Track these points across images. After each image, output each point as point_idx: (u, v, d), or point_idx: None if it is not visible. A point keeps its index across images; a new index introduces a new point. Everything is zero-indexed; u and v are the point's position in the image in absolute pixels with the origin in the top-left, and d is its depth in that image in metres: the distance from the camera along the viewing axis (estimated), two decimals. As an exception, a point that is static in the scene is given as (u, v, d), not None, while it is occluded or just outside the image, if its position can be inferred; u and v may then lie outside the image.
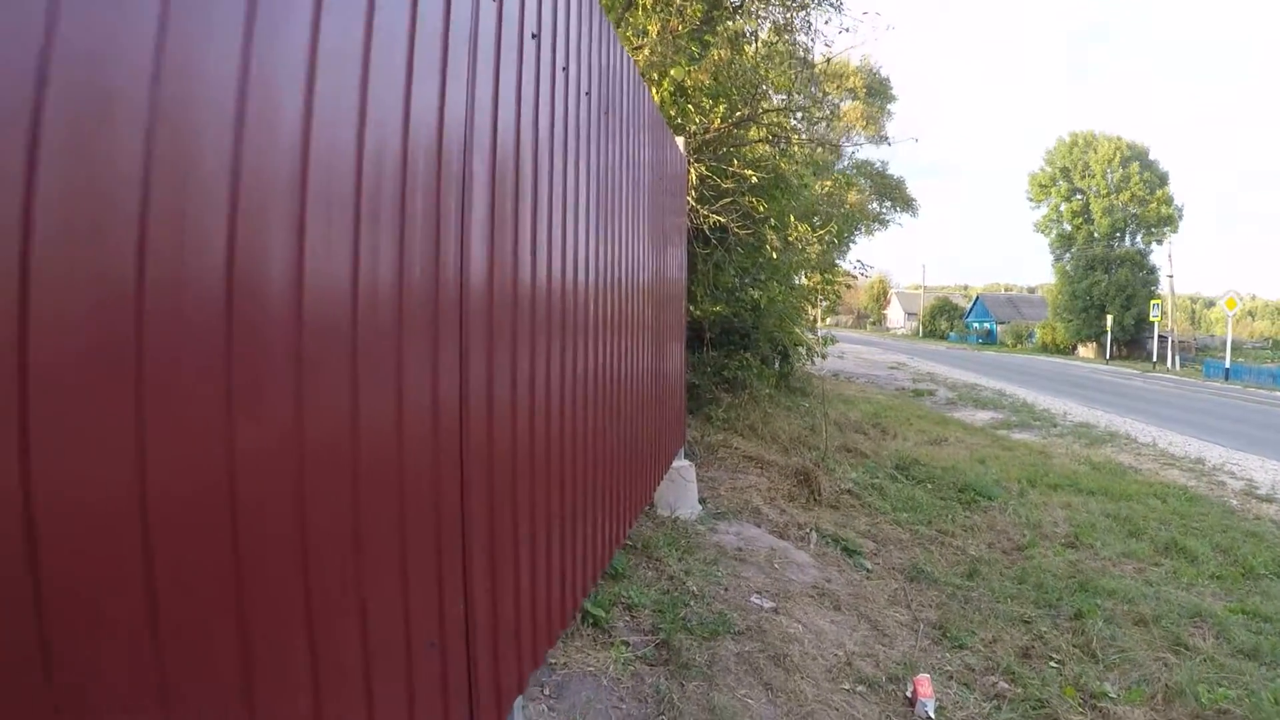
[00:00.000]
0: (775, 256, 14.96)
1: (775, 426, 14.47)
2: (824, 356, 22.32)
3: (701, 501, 9.72)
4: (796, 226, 15.57)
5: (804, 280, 19.93)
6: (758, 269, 15.54)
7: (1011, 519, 11.24)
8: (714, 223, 13.11)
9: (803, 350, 20.97)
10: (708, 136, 12.70)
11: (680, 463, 9.44)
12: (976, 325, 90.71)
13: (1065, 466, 15.63)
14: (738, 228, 13.10)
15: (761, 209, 13.67)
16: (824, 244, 19.23)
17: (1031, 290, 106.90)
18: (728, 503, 10.01)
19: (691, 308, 13.41)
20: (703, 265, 13.67)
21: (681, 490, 9.14)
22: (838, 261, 23.53)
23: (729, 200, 13.10)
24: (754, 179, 13.06)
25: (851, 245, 23.26)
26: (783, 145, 14.63)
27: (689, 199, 11.98)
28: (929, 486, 12.68)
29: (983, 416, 24.07)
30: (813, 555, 8.68)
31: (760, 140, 13.96)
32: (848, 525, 10.16)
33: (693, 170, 12.41)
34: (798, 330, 19.86)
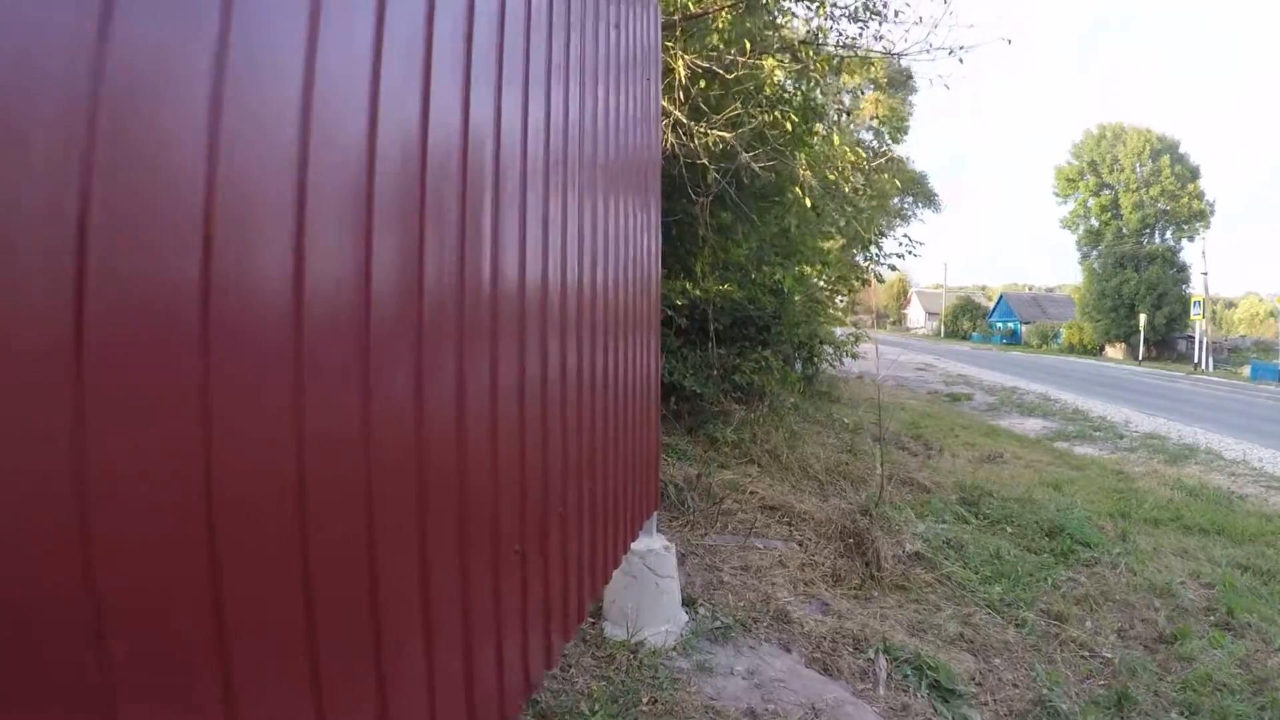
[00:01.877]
0: (810, 206, 10.66)
1: (805, 452, 10.70)
2: (854, 356, 18.72)
3: (689, 605, 5.87)
4: (844, 155, 11.33)
5: (828, 244, 15.88)
6: (782, 237, 11.36)
7: (1127, 579, 8.43)
8: (716, 144, 8.81)
9: (829, 349, 16.96)
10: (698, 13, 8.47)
11: (650, 542, 5.77)
12: (1000, 325, 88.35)
13: (1156, 493, 13.00)
14: (753, 156, 8.77)
15: (790, 124, 9.32)
16: (862, 223, 15.43)
17: (1049, 290, 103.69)
18: (735, 600, 6.40)
19: (689, 286, 9.98)
20: (703, 226, 9.55)
21: (649, 593, 5.27)
22: (864, 257, 19.80)
23: (735, 110, 8.77)
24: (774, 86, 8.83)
25: (880, 242, 19.78)
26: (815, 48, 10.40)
27: (675, 108, 7.77)
28: (1010, 530, 9.78)
29: (1033, 425, 21.43)
30: (885, 712, 5.04)
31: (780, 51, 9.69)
32: (927, 626, 6.59)
33: (680, 62, 8.13)
34: (826, 325, 16.88)
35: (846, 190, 13.22)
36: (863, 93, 36.45)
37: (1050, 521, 9.93)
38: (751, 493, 8.52)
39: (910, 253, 18.53)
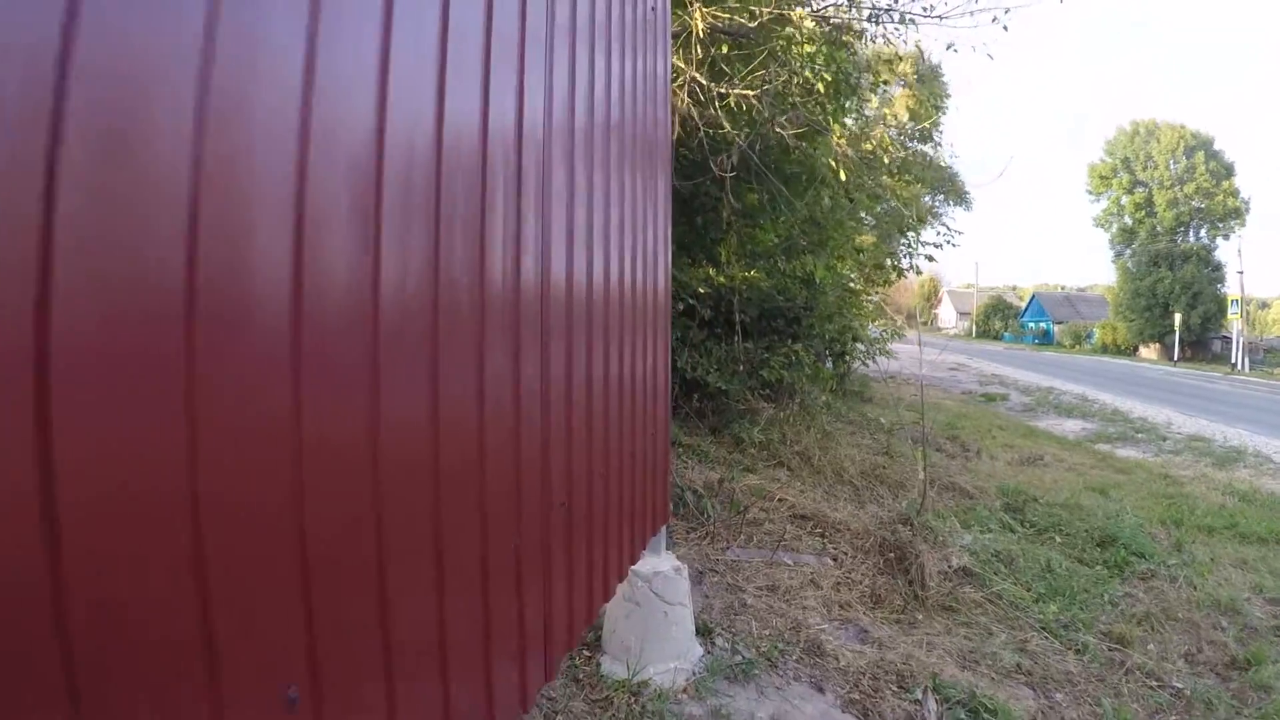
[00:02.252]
0: (844, 180, 9.81)
1: (839, 454, 9.84)
2: (888, 355, 17.88)
3: (704, 635, 4.97)
4: (886, 115, 10.53)
5: (861, 239, 15.03)
6: (813, 226, 10.52)
7: (1187, 594, 7.70)
8: (739, 105, 7.95)
9: (861, 346, 16.08)
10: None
11: (657, 562, 4.97)
12: (1032, 325, 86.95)
13: (1207, 498, 12.33)
14: (779, 125, 7.94)
15: (822, 84, 8.48)
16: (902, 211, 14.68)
17: (1081, 290, 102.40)
18: (759, 628, 5.68)
19: (713, 273, 9.24)
20: (727, 209, 8.73)
21: (655, 623, 4.39)
22: (902, 244, 19.00)
23: (758, 69, 7.93)
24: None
25: (918, 228, 18.99)
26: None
27: (691, 69, 6.96)
28: (1059, 540, 9.10)
29: (1073, 426, 20.75)
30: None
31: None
32: (980, 655, 5.79)
33: (697, 14, 7.32)
34: (858, 321, 15.85)
35: (886, 161, 12.35)
36: (883, 86, 35.63)
37: (1100, 530, 9.29)
38: (780, 500, 7.69)
39: (949, 242, 17.57)
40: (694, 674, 4.72)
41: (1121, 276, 66.03)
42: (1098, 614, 6.96)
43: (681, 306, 9.82)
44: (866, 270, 16.75)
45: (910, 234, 17.58)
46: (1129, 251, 65.72)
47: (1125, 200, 66.09)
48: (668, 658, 4.65)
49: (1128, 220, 66.01)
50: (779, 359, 10.39)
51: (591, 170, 3.49)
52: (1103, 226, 68.47)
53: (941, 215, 42.54)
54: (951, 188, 43.78)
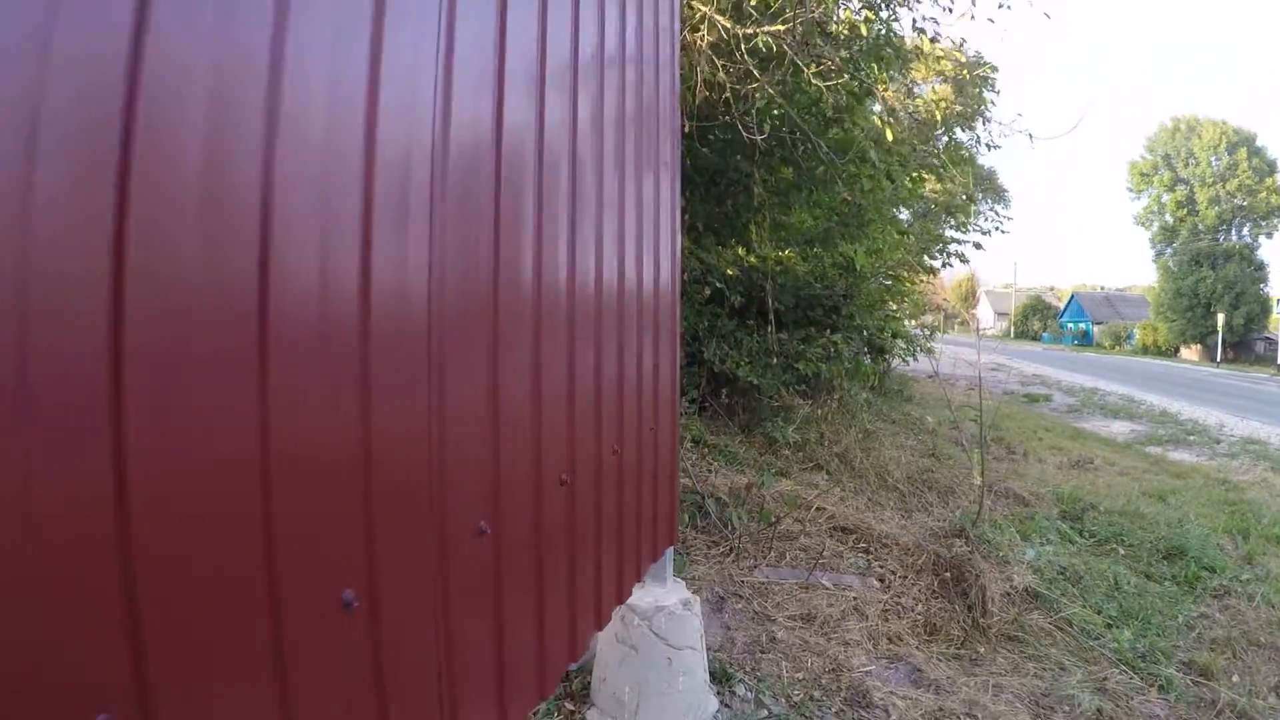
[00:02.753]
0: (890, 136, 8.85)
1: (882, 456, 8.87)
2: (930, 352, 16.87)
3: (722, 682, 4.01)
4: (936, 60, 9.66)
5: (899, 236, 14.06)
6: (853, 209, 9.59)
7: (1265, 614, 6.95)
8: (766, 46, 7.06)
9: (901, 343, 15.08)
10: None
11: (660, 594, 4.11)
12: (1071, 325, 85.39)
13: (1271, 505, 11.48)
14: (814, 68, 7.00)
15: (865, 27, 7.55)
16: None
17: (1120, 290, 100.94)
18: (792, 671, 4.77)
19: (742, 253, 8.60)
20: (758, 181, 7.81)
21: (656, 672, 3.38)
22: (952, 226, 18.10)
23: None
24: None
25: (959, 221, 18.15)
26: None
27: (710, 8, 6.06)
28: (1122, 551, 8.29)
29: (1120, 428, 19.95)
30: None
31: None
32: (1055, 699, 4.89)
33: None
34: (899, 315, 15.15)
35: (939, 117, 11.41)
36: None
37: (1165, 540, 8.59)
38: (819, 509, 6.67)
39: (997, 228, 16.55)
40: (707, 738, 3.76)
41: (1162, 276, 65.04)
42: (1175, 640, 6.17)
43: (709, 292, 8.94)
44: (911, 255, 15.71)
45: (959, 215, 16.62)
46: (1170, 250, 64.65)
47: (1166, 198, 64.95)
48: (672, 714, 3.73)
49: (1169, 218, 64.86)
50: (816, 351, 9.44)
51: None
52: (1143, 225, 67.30)
53: (981, 211, 41.91)
54: (990, 186, 43.13)
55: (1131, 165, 67.50)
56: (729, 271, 8.93)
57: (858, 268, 10.19)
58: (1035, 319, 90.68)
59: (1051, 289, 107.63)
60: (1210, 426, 19.98)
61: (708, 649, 4.31)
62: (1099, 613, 6.33)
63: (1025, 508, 8.97)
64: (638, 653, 3.70)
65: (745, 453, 8.10)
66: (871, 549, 6.24)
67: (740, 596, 5.26)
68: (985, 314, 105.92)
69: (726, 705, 4.02)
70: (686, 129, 7.70)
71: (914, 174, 12.65)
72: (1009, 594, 5.84)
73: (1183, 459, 15.59)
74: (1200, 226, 62.46)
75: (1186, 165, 63.68)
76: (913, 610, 5.39)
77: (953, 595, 5.59)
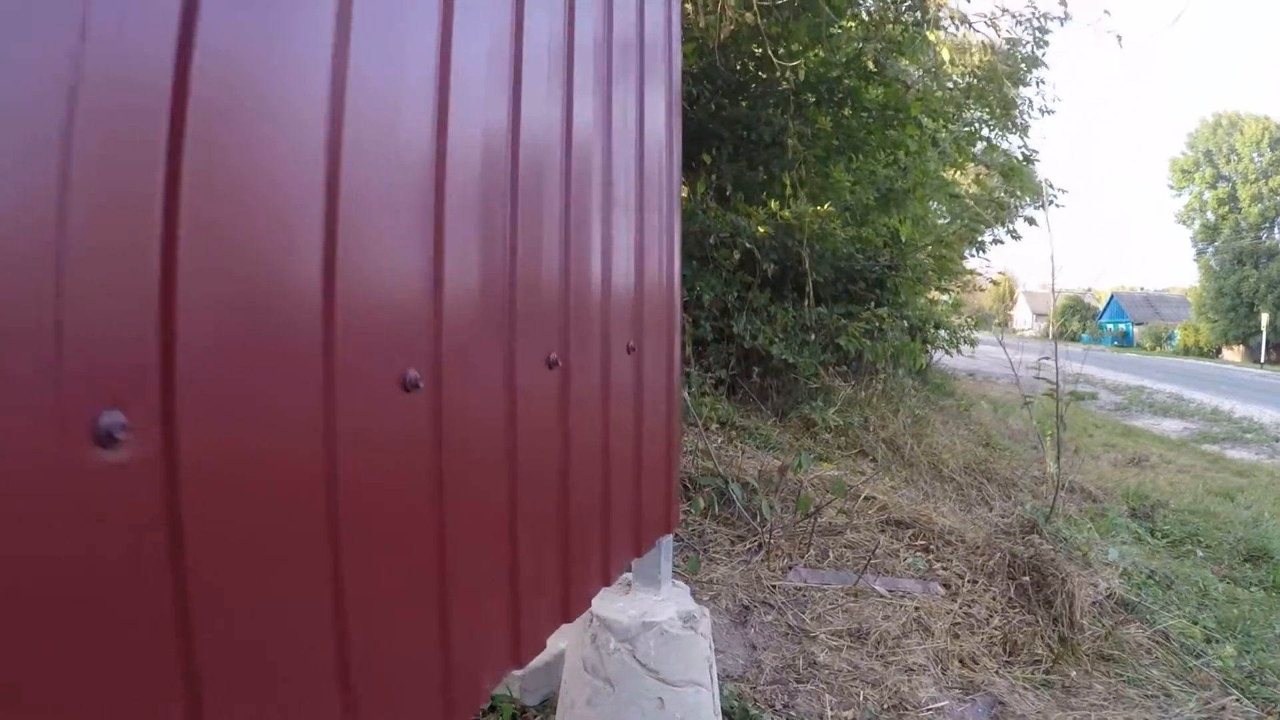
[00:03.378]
0: (939, 93, 8.00)
1: (934, 443, 7.70)
2: (973, 344, 15.84)
3: None
4: None
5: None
6: (897, 171, 8.64)
7: None
8: None
9: (944, 334, 13.75)
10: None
11: (652, 604, 3.01)
12: (1111, 326, 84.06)
13: None
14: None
15: None
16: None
17: (1161, 292, 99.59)
18: (838, 708, 3.55)
19: (776, 206, 7.93)
20: (793, 132, 6.89)
21: (640, 712, 2.06)
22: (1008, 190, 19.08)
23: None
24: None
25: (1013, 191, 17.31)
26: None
27: None
28: (1200, 553, 7.58)
29: (1172, 426, 19.17)
30: None
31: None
32: None
33: None
34: (947, 294, 14.31)
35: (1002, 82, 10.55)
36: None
37: (1245, 542, 7.93)
38: (866, 498, 5.54)
39: (1053, 201, 15.37)
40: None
41: (1204, 275, 63.86)
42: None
43: (738, 256, 7.86)
44: (964, 224, 14.63)
45: (1014, 185, 15.70)
46: (1212, 249, 63.42)
47: (1208, 195, 63.93)
48: None
49: (1210, 216, 63.75)
50: (859, 325, 8.35)
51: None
52: (1184, 223, 66.35)
53: (1019, 213, 40.87)
54: (1028, 184, 41.93)
55: (1172, 162, 66.53)
56: (760, 230, 7.90)
57: (902, 239, 9.11)
58: (1074, 320, 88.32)
59: (1090, 290, 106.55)
60: (1266, 425, 19.17)
61: (724, 678, 3.21)
62: (1195, 624, 5.33)
63: (1095, 503, 8.04)
64: (614, 690, 2.64)
65: (779, 436, 7.02)
66: (932, 547, 5.12)
67: (770, 605, 4.14)
68: (1023, 315, 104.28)
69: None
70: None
71: (967, 132, 11.63)
72: (1098, 603, 4.74)
73: (1241, 457, 14.88)
74: (1243, 224, 61.36)
75: (1228, 161, 62.51)
76: (987, 623, 4.29)
77: (1033, 604, 4.50)
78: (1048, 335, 73.13)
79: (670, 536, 2.93)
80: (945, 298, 15.48)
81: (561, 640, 2.88)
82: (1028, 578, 4.67)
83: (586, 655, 2.59)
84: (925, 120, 8.81)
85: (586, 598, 2.31)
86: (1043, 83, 14.46)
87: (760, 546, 4.84)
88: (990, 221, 17.48)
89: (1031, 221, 16.60)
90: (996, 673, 3.88)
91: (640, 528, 2.66)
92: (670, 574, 2.95)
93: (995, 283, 17.08)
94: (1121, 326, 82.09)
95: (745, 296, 8.13)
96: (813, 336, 8.26)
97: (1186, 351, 63.86)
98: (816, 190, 8.40)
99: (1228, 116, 63.09)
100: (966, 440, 9.01)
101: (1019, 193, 39.99)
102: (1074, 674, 4.11)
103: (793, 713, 3.26)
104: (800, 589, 4.34)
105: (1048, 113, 15.02)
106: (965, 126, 12.61)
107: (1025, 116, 15.04)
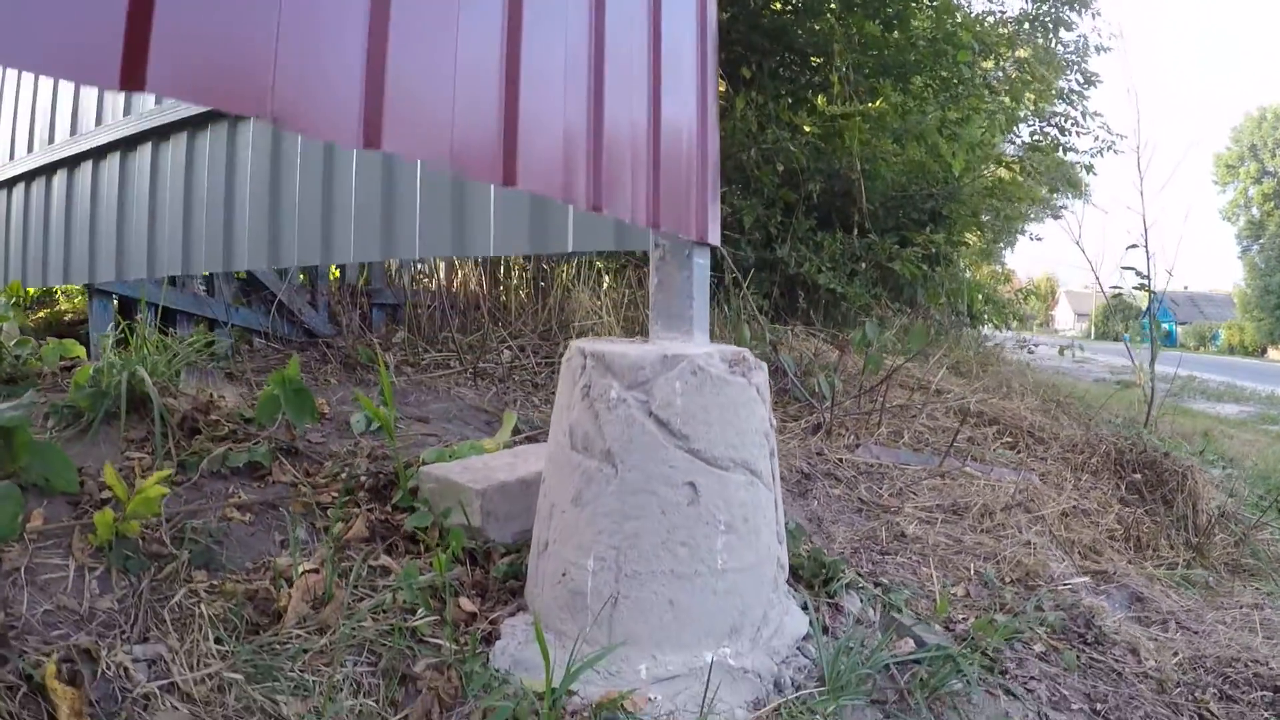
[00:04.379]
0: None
1: (1001, 372, 6.71)
2: (1021, 320, 15.29)
3: (811, 585, 2.01)
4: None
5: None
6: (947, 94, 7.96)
7: None
8: None
9: (990, 309, 12.69)
10: None
11: (675, 342, 2.05)
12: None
13: None
14: None
15: None
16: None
17: (1205, 292, 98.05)
18: (944, 577, 2.69)
19: (821, 102, 7.46)
20: (840, 29, 6.61)
21: (657, 516, 1.19)
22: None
23: None
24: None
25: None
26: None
27: None
28: None
29: (1229, 410, 18.74)
30: None
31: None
32: None
33: None
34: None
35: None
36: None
37: None
38: (937, 391, 4.74)
39: (1110, 147, 14.22)
40: (779, 685, 1.82)
41: (1249, 273, 62.75)
42: None
43: (781, 169, 7.05)
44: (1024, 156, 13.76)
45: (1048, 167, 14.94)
46: (1257, 246, 62.16)
47: (1253, 191, 62.47)
48: (696, 630, 1.77)
49: (1255, 212, 62.23)
50: (915, 251, 7.52)
51: None
52: (1229, 219, 64.87)
53: (1060, 208, 39.97)
54: (1070, 179, 41.03)
55: (1216, 157, 64.97)
56: (806, 129, 7.11)
57: (956, 172, 8.29)
58: (1116, 319, 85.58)
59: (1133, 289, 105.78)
60: (1325, 409, 18.35)
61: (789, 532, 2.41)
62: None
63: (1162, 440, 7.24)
64: (616, 471, 1.73)
65: (828, 351, 6.19)
66: (1021, 444, 4.30)
67: (837, 479, 3.39)
68: (1064, 315, 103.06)
69: (827, 628, 2.10)
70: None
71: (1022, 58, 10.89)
72: (1224, 509, 3.93)
73: (1310, 435, 14.06)
74: (1290, 220, 60.60)
75: (1274, 156, 61.12)
76: (1105, 516, 3.46)
77: (1154, 502, 3.68)
78: (1090, 335, 72.17)
79: (706, 255, 2.10)
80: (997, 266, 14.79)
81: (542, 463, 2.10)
82: (1139, 475, 3.87)
83: (575, 421, 1.74)
84: (976, 46, 8.07)
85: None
86: (1098, 15, 13.37)
87: (819, 427, 4.02)
88: (1038, 196, 16.62)
89: (1089, 168, 15.35)
90: (1126, 562, 3.09)
91: (658, 197, 1.94)
92: (706, 319, 2.11)
93: (1032, 292, 16.58)
94: (1165, 326, 78.92)
95: (788, 222, 7.35)
96: (863, 265, 7.46)
97: (1231, 351, 62.65)
98: (864, 94, 7.62)
99: (1273, 110, 61.84)
100: (1031, 384, 8.18)
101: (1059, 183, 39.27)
102: (1210, 579, 3.30)
103: (881, 580, 2.46)
104: (872, 464, 3.55)
105: (1104, 50, 13.84)
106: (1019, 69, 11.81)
107: (1075, 71, 13.95)
